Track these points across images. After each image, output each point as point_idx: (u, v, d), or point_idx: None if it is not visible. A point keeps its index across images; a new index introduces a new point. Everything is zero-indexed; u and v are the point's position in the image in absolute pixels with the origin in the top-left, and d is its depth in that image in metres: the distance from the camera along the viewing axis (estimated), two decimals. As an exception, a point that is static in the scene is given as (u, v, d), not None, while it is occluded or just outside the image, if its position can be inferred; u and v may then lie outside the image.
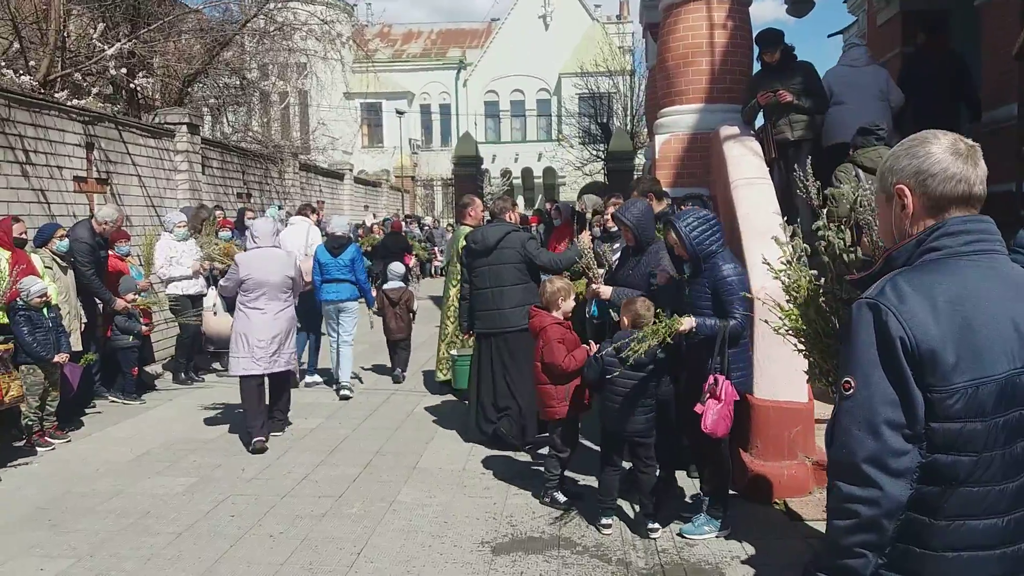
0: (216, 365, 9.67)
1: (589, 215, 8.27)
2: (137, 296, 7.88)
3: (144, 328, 7.87)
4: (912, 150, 1.79)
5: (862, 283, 1.92)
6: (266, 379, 6.53)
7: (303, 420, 7.18)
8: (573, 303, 5.23)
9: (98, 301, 7.50)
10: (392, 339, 9.02)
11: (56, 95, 8.83)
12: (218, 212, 10.27)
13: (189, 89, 13.21)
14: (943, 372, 1.60)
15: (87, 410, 7.42)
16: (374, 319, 8.81)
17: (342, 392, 8.11)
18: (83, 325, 7.29)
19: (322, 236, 9.19)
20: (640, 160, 30.27)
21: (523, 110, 48.84)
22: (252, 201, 13.37)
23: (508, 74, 47.66)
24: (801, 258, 3.93)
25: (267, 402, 6.61)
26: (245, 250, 7.27)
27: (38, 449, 6.21)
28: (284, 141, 16.20)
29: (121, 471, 5.73)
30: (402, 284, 9.19)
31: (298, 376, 8.29)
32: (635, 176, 26.58)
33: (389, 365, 9.19)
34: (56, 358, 6.29)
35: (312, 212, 10.29)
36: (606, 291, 5.29)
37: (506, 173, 45.14)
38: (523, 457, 6.04)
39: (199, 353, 9.29)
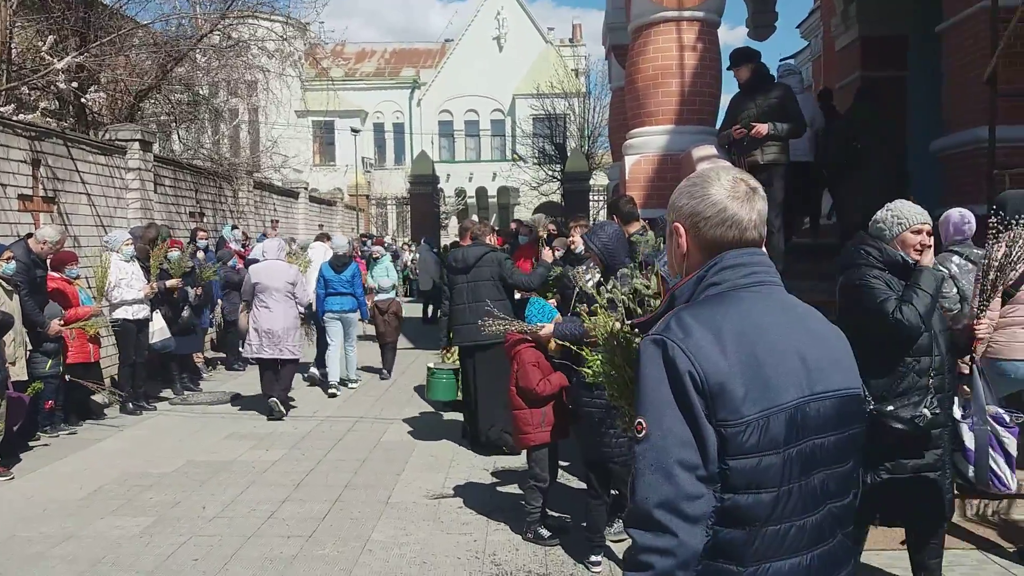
0: (167, 392, 9.26)
1: (543, 233, 8.24)
2: (86, 321, 7.47)
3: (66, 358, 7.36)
4: (691, 190, 1.74)
5: (647, 326, 1.84)
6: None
7: (264, 452, 6.85)
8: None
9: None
10: (383, 342, 10.47)
11: (0, 109, 8.38)
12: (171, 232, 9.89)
13: (140, 105, 12.76)
14: (734, 405, 1.52)
15: (31, 443, 6.97)
16: (366, 328, 10.13)
17: (350, 386, 9.68)
18: (28, 353, 6.87)
19: None
20: (601, 180, 30.41)
21: (477, 130, 48.73)
22: (205, 220, 12.94)
23: (462, 94, 47.57)
24: (616, 298, 3.83)
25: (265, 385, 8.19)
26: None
27: (-22, 487, 5.78)
28: (238, 159, 15.76)
29: (71, 511, 5.34)
30: (391, 296, 10.56)
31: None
32: (590, 196, 26.81)
33: (376, 366, 10.64)
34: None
35: (327, 239, 11.15)
36: (547, 330, 4.66)
37: (460, 192, 45.14)
38: (502, 488, 5.82)
39: (149, 379, 8.87)
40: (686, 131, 8.22)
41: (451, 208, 42.16)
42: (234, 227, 12.57)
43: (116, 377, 8.65)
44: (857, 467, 1.70)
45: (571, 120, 33.52)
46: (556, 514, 5.12)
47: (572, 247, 7.52)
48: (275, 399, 7.99)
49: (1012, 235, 3.70)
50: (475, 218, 9.13)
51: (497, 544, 4.77)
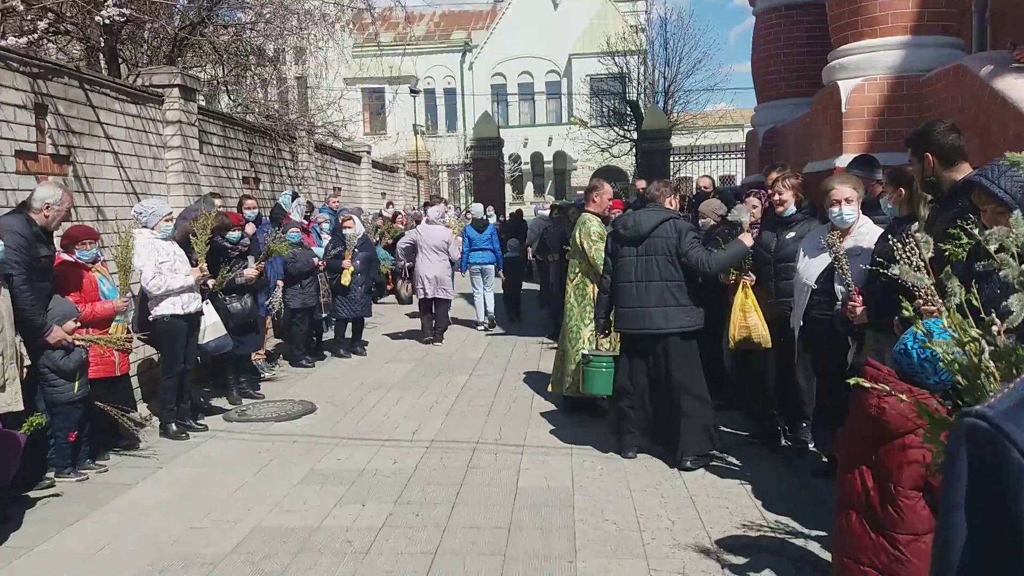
0: (220, 401, 7.27)
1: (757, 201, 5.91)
2: (102, 335, 5.45)
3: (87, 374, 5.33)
4: None
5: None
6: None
7: (359, 508, 4.76)
8: None
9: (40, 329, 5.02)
10: (508, 293, 12.44)
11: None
12: (217, 201, 7.87)
13: (182, 52, 10.74)
14: None
15: (33, 494, 4.98)
16: (502, 277, 12.27)
17: (489, 318, 11.69)
18: (25, 371, 4.88)
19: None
20: (677, 141, 27.76)
21: (532, 92, 46.76)
22: (261, 188, 10.90)
23: (515, 56, 46.27)
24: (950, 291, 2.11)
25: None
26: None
27: (-59, 587, 3.81)
28: (295, 116, 13.66)
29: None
30: (518, 254, 12.94)
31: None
32: (670, 156, 24.23)
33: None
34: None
35: (445, 204, 13.37)
36: None
37: (515, 158, 43.38)
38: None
39: (197, 384, 6.87)
40: (927, 43, 5.85)
41: (506, 175, 40.09)
42: (295, 195, 10.48)
43: (160, 388, 6.65)
44: None
45: (642, 76, 30.84)
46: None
47: (779, 208, 5.45)
48: (429, 338, 10.45)
49: None
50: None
51: None
